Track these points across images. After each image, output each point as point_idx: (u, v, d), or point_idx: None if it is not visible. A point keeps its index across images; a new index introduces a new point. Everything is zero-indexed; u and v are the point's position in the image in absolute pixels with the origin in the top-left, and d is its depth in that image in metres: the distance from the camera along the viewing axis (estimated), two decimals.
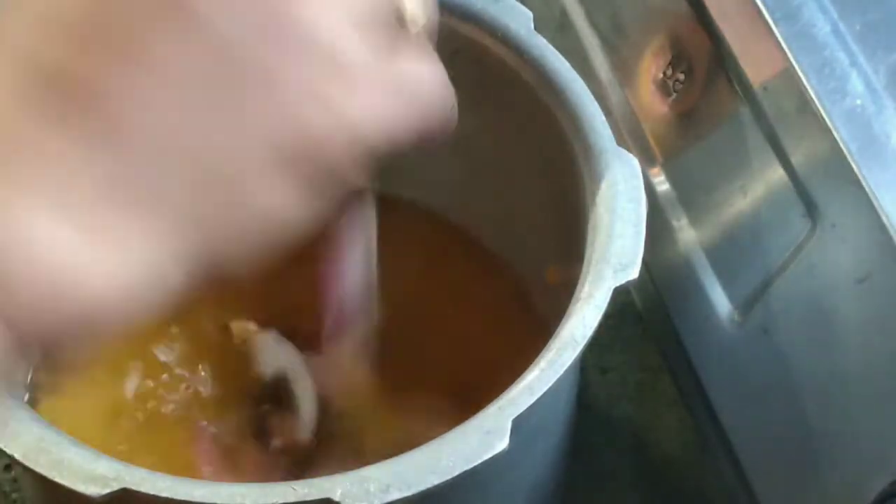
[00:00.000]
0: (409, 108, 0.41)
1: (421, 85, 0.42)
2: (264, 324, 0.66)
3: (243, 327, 0.66)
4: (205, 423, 0.62)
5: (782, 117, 0.55)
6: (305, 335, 0.65)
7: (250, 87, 0.36)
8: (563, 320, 0.52)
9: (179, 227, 0.36)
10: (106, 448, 0.57)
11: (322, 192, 0.39)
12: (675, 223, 0.63)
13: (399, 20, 0.42)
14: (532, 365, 0.51)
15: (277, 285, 0.67)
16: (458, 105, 0.65)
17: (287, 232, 0.39)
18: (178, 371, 0.65)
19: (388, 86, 0.40)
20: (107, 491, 0.47)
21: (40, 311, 0.34)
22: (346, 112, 0.38)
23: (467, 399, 0.52)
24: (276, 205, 0.38)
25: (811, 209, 0.54)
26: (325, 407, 0.62)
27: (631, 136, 0.65)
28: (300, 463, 0.61)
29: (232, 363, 0.65)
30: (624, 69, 0.67)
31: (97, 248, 0.34)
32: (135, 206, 0.35)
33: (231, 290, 0.66)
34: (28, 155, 0.34)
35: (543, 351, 0.51)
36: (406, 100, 0.41)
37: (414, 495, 0.47)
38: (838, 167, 0.52)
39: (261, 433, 0.62)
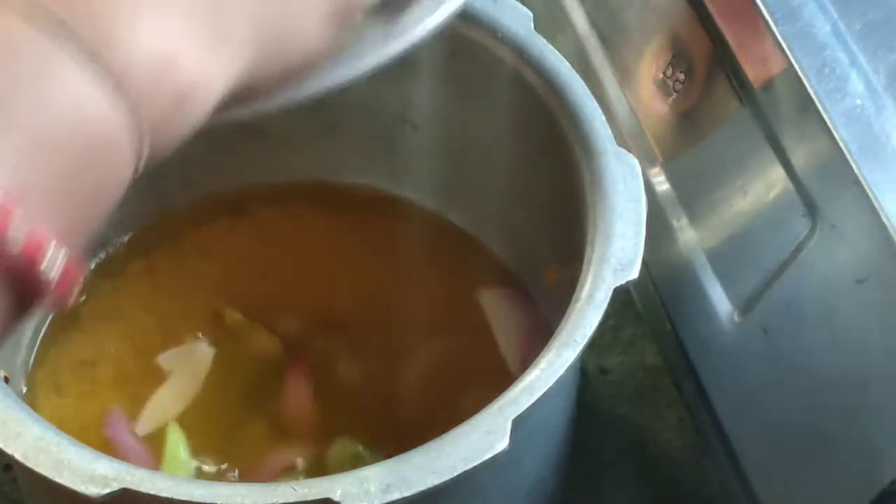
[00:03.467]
0: None
1: None
2: (252, 316, 0.66)
3: (235, 316, 0.66)
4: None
5: (782, 117, 0.55)
6: (286, 329, 0.66)
7: None
8: (563, 320, 0.52)
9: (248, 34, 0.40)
10: (106, 448, 0.57)
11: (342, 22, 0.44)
12: (675, 223, 0.63)
13: None
14: (532, 365, 0.51)
15: (267, 282, 0.68)
16: (459, 104, 0.65)
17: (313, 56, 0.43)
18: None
19: None
20: (107, 491, 0.47)
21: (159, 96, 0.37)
22: None
23: (466, 398, 0.53)
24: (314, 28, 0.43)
25: (811, 209, 0.54)
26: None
27: (631, 136, 0.65)
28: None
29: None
30: (624, 69, 0.67)
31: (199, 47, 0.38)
32: (222, 21, 0.39)
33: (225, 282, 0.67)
34: None
35: (543, 351, 0.51)
36: None
37: (414, 495, 0.47)
38: (838, 167, 0.52)
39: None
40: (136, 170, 0.38)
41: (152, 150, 0.38)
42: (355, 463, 0.56)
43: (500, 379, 0.53)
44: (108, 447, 0.61)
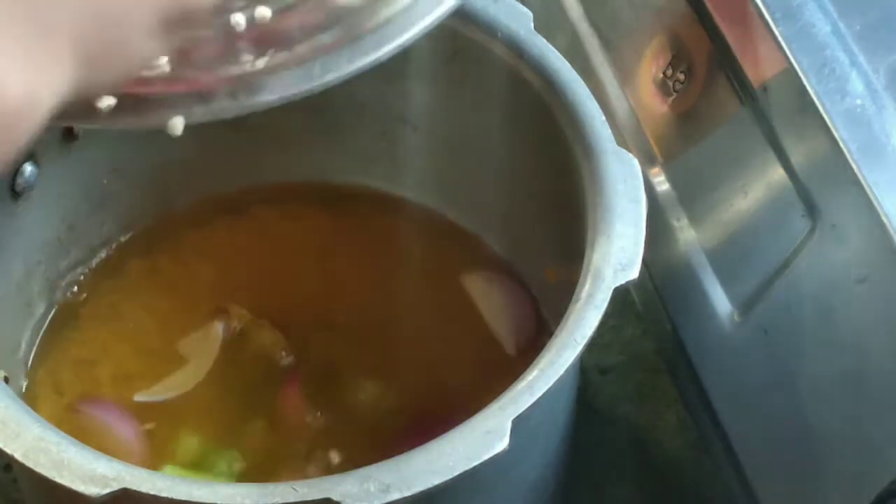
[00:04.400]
0: None
1: None
2: (257, 314, 0.66)
3: (240, 312, 0.66)
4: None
5: (782, 117, 0.55)
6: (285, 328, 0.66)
7: None
8: (563, 320, 0.52)
9: (72, 57, 0.40)
10: (102, 443, 0.57)
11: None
12: (675, 223, 0.63)
13: None
14: (532, 365, 0.51)
15: (266, 281, 0.68)
16: (459, 104, 0.65)
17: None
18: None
19: None
20: (107, 491, 0.47)
21: None
22: None
23: (466, 398, 0.53)
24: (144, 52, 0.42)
25: (811, 209, 0.54)
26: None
27: (631, 136, 0.65)
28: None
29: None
30: (624, 69, 0.67)
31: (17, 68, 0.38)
32: (38, 35, 0.39)
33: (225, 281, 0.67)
34: None
35: (543, 351, 0.51)
36: None
37: (414, 495, 0.47)
38: (838, 167, 0.52)
39: None
40: None
41: None
42: None
43: (501, 369, 0.52)
44: (105, 443, 0.61)
